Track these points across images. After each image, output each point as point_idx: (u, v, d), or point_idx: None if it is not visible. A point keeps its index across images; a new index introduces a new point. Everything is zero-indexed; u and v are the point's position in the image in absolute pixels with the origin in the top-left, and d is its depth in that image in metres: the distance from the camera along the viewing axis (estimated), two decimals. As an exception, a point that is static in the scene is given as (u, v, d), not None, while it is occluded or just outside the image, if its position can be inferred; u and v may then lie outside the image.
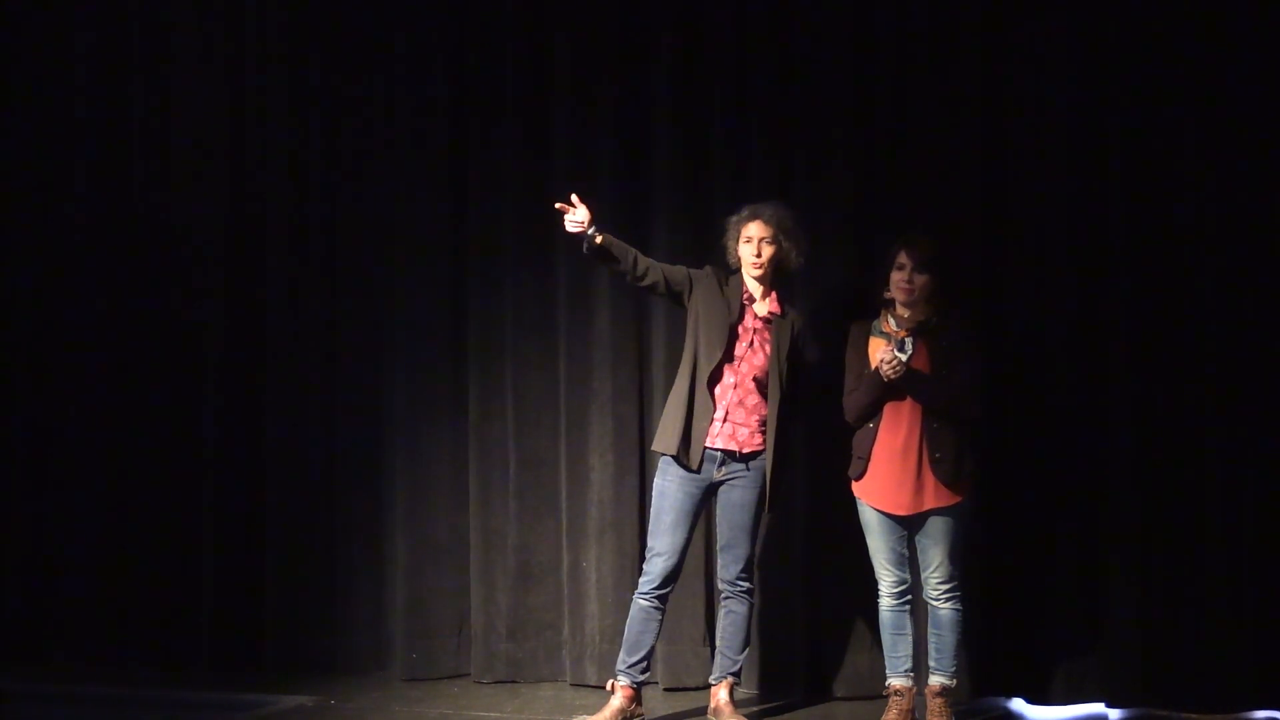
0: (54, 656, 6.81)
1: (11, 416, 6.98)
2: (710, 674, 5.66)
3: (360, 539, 6.56)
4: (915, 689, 5.43)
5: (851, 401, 5.39)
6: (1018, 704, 5.81)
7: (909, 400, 5.26)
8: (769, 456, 5.44)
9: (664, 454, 5.49)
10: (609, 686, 5.54)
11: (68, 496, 6.89)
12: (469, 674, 6.38)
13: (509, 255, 6.38)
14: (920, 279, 5.28)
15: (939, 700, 5.35)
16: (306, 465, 6.62)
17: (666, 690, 6.07)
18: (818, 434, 5.82)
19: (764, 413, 5.46)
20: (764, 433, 5.46)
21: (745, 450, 5.46)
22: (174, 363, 6.78)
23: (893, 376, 5.22)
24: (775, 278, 5.56)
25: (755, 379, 5.47)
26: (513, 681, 6.29)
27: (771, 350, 5.49)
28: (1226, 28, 5.62)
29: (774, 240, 5.49)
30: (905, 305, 5.33)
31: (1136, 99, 5.70)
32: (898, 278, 5.31)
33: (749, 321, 5.51)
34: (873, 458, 5.33)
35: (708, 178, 6.15)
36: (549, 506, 6.34)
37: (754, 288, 5.55)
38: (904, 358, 5.25)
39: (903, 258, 5.29)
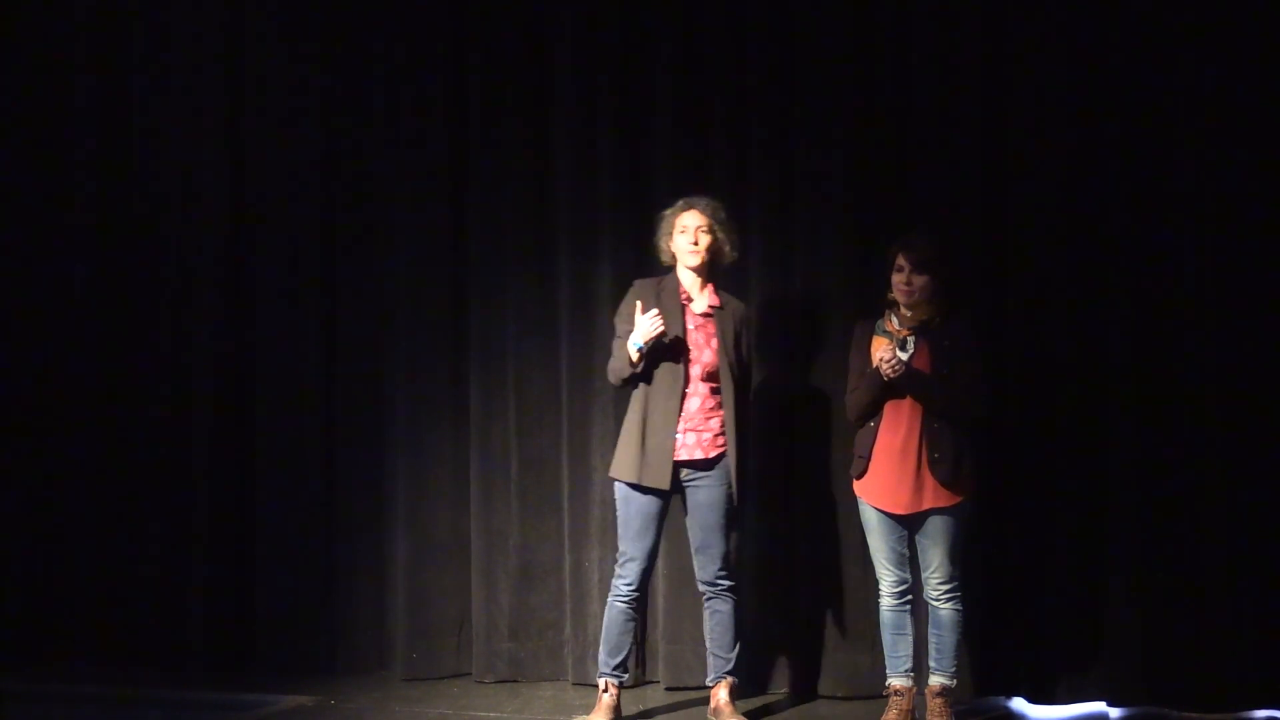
0: (54, 656, 6.80)
1: (11, 420, 6.97)
2: (708, 676, 5.64)
3: (361, 539, 6.56)
4: (915, 689, 5.43)
5: (853, 400, 5.40)
6: (1019, 703, 5.80)
7: (909, 400, 5.27)
8: (731, 453, 5.44)
9: (621, 480, 5.50)
10: (602, 685, 5.54)
11: (67, 497, 6.89)
12: (470, 673, 6.38)
13: (510, 255, 6.37)
14: (920, 280, 5.28)
15: (939, 700, 5.35)
16: (307, 465, 6.61)
17: (667, 690, 6.07)
18: (819, 434, 5.82)
19: (720, 413, 5.47)
20: (724, 432, 5.46)
21: (710, 455, 5.46)
22: (171, 363, 6.78)
23: (892, 376, 5.22)
24: (711, 271, 5.56)
25: (708, 375, 5.47)
26: (514, 681, 6.30)
27: (718, 342, 5.49)
28: (1227, 27, 5.62)
29: (710, 230, 5.50)
30: (908, 306, 5.33)
31: (1136, 98, 5.70)
32: (897, 279, 5.31)
33: (689, 321, 5.51)
34: (873, 457, 5.33)
35: (708, 178, 6.14)
36: (551, 506, 6.34)
37: (690, 282, 5.54)
38: (904, 357, 5.25)
39: (901, 260, 5.30)
